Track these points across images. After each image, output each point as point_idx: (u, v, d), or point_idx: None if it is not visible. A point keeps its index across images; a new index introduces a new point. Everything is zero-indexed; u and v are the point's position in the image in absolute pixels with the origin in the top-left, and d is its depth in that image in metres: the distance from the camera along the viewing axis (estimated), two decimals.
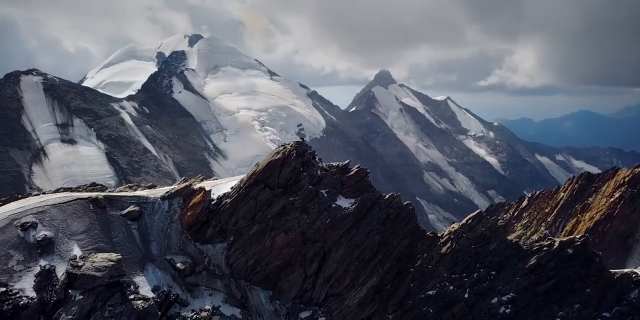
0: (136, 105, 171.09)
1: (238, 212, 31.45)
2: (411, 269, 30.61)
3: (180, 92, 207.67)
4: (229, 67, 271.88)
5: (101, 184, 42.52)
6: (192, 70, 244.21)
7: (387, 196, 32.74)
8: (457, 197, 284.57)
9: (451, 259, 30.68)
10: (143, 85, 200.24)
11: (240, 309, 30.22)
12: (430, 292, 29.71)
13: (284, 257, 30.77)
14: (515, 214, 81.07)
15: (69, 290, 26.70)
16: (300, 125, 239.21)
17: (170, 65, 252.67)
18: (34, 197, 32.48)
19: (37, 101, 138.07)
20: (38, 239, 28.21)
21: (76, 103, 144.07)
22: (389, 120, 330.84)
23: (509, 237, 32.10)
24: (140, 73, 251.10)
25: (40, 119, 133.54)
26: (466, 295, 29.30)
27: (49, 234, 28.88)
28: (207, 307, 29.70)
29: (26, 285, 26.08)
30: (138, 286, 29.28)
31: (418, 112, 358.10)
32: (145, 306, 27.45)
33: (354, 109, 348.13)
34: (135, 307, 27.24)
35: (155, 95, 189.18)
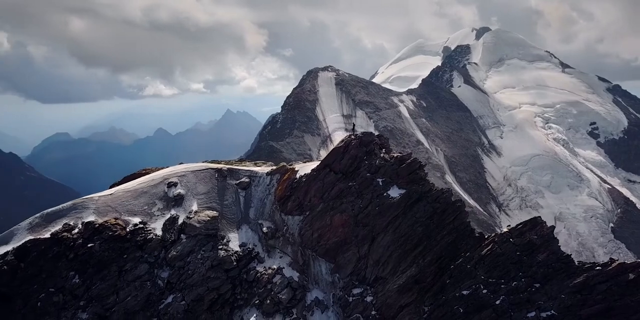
0: (414, 98, 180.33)
1: (311, 190, 35.86)
2: (451, 266, 29.29)
3: (459, 86, 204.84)
4: (514, 59, 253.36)
5: (251, 160, 52.57)
6: (475, 64, 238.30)
7: (435, 190, 31.54)
8: None
9: (491, 262, 27.70)
10: (423, 80, 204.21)
11: (299, 274, 35.00)
12: (465, 292, 27.87)
13: (339, 235, 33.83)
14: None
15: (181, 235, 36.32)
16: (593, 123, 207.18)
17: (454, 60, 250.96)
18: (184, 164, 43.75)
19: (329, 94, 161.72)
20: (174, 195, 38.77)
21: (360, 96, 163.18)
22: None
23: None
24: (425, 68, 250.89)
25: (330, 110, 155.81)
26: (497, 302, 26.44)
27: (182, 191, 39.26)
28: (274, 266, 35.58)
29: (157, 226, 36.64)
30: (229, 240, 37.28)
31: None
32: (224, 256, 35.12)
33: None
34: (218, 255, 35.22)
35: (433, 89, 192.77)
